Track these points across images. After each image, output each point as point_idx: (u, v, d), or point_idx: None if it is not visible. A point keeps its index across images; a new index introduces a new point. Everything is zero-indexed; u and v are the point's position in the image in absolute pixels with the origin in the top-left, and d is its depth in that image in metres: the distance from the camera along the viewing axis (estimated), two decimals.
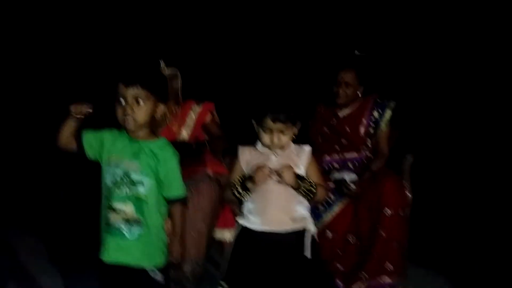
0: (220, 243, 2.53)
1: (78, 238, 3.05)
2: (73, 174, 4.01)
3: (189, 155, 2.57)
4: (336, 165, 2.52)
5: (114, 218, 1.48)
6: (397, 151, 2.55)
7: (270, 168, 1.50)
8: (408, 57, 3.36)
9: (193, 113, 2.76)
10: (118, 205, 1.48)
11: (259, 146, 1.65)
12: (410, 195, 2.42)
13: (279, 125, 1.57)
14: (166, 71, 2.67)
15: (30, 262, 2.75)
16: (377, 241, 2.22)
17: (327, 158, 2.55)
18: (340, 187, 2.36)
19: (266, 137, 1.59)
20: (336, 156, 2.54)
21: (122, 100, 1.50)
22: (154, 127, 1.59)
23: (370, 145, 2.54)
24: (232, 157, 2.94)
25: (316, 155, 2.48)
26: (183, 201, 1.58)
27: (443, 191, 3.14)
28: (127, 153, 1.52)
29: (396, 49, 3.26)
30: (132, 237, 1.49)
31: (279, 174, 1.50)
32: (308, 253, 1.50)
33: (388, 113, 2.52)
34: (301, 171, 1.59)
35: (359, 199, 2.33)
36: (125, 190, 1.49)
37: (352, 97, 2.52)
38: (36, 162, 4.08)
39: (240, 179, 1.56)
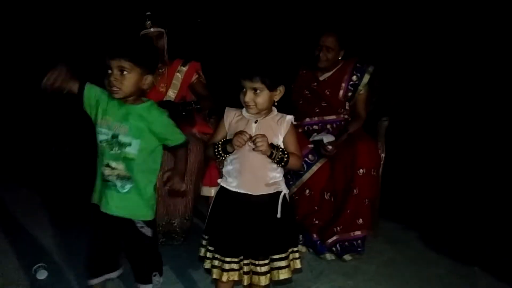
0: (207, 199, 2.69)
1: (70, 191, 3.21)
2: (65, 129, 4.12)
3: (176, 115, 2.67)
4: (315, 127, 2.64)
5: (108, 173, 1.62)
6: (376, 114, 2.67)
7: (247, 135, 1.58)
8: (388, 20, 3.39)
9: (180, 74, 2.83)
10: (111, 162, 1.62)
11: (244, 109, 1.71)
12: (383, 155, 2.58)
13: (253, 84, 1.60)
14: (152, 29, 2.72)
15: (24, 214, 2.88)
16: (350, 198, 2.38)
17: (308, 120, 2.66)
18: (319, 148, 2.50)
19: (241, 96, 1.64)
20: (315, 118, 2.65)
21: (108, 69, 1.58)
22: (142, 95, 1.69)
23: (348, 108, 2.65)
24: (218, 118, 3.07)
25: (298, 117, 2.66)
26: (185, 145, 1.72)
27: (415, 151, 3.28)
28: (117, 116, 1.62)
29: (377, 10, 3.27)
30: (123, 190, 1.63)
31: (254, 141, 1.57)
32: (279, 214, 1.63)
33: (366, 78, 2.61)
34: (278, 139, 1.66)
35: (335, 159, 2.47)
36: (115, 150, 1.61)
37: (332, 61, 2.60)
38: (28, 118, 4.15)
39: (221, 141, 1.66)
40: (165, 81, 2.82)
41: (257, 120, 1.66)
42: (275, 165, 1.64)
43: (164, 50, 2.78)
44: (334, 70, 2.65)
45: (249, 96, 1.61)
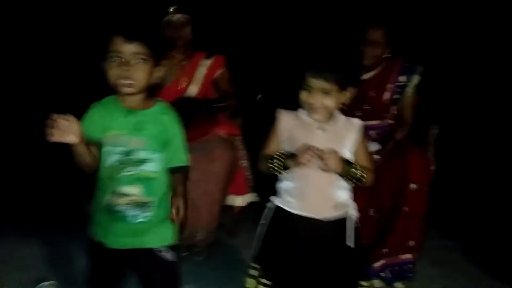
0: (231, 209, 2.40)
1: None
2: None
3: (199, 114, 2.38)
4: None
5: (120, 202, 1.29)
6: (420, 120, 2.40)
7: (316, 149, 1.30)
8: (439, 20, 3.12)
9: (203, 67, 2.54)
10: (124, 188, 1.29)
11: (302, 113, 1.42)
12: (433, 169, 2.30)
13: (322, 84, 1.34)
14: (177, 15, 2.42)
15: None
16: (400, 217, 2.10)
17: None
18: None
19: (305, 96, 1.36)
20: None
21: (117, 57, 1.25)
22: (151, 93, 1.38)
23: (394, 112, 2.37)
24: (243, 117, 2.78)
25: None
26: (186, 172, 1.40)
27: (461, 160, 3.02)
28: (127, 129, 1.30)
29: (426, 10, 3.01)
30: (135, 220, 1.31)
31: (323, 158, 1.29)
32: (351, 242, 1.35)
33: (416, 78, 2.33)
34: (348, 149, 1.40)
35: (381, 171, 2.18)
36: (130, 171, 1.29)
37: (378, 58, 2.33)
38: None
39: (281, 156, 1.36)
40: (187, 75, 2.52)
41: (322, 127, 1.37)
42: (345, 183, 1.35)
43: (188, 40, 2.49)
44: (378, 70, 2.37)
45: (317, 98, 1.33)
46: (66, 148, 1.25)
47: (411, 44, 2.45)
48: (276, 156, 1.36)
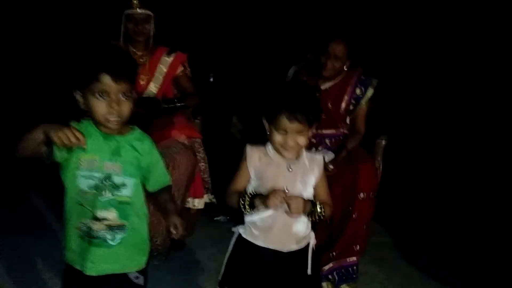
0: (188, 211, 2.46)
1: None
2: None
3: (158, 115, 2.37)
4: (313, 141, 2.47)
5: (97, 227, 1.32)
6: (371, 130, 2.55)
7: (284, 195, 1.37)
8: (394, 30, 3.25)
9: (163, 66, 2.51)
10: (100, 213, 1.31)
11: (269, 148, 1.48)
12: (379, 174, 2.50)
13: (296, 126, 1.38)
14: (139, 10, 2.36)
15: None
16: (349, 223, 2.27)
17: None
18: None
19: (279, 138, 1.40)
20: (314, 131, 2.47)
21: (105, 95, 1.27)
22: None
23: (348, 123, 2.51)
24: (203, 118, 2.81)
25: None
26: (170, 189, 1.48)
27: (402, 167, 3.26)
28: (105, 153, 1.32)
29: (384, 21, 3.12)
30: (115, 242, 1.35)
31: (288, 203, 1.37)
32: (310, 269, 1.47)
33: (370, 91, 2.47)
34: (311, 185, 1.49)
35: (333, 180, 2.33)
36: (107, 195, 1.32)
37: (338, 71, 2.43)
38: None
39: (249, 195, 1.43)
40: (147, 72, 2.49)
41: (290, 166, 1.45)
42: (306, 218, 1.47)
43: (150, 36, 2.45)
44: (337, 80, 2.48)
45: (292, 139, 1.39)
46: None
47: (367, 56, 2.56)
48: (245, 196, 1.42)
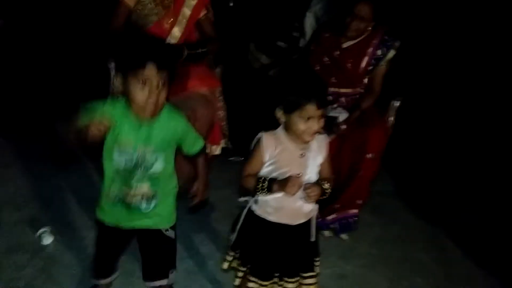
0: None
1: None
2: None
3: (182, 63, 2.43)
4: (330, 98, 2.55)
5: (130, 197, 1.50)
6: (385, 91, 2.61)
7: (301, 183, 1.51)
8: None
9: (187, 9, 2.51)
10: (135, 186, 1.49)
11: (282, 135, 1.57)
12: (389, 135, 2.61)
13: (319, 111, 1.47)
14: None
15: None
16: (354, 179, 2.44)
17: None
18: (329, 123, 2.45)
19: (303, 126, 1.48)
20: (331, 89, 2.53)
21: (146, 83, 1.35)
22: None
23: (365, 82, 2.56)
24: (223, 67, 2.85)
25: None
26: (204, 150, 1.64)
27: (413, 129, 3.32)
28: (140, 138, 1.45)
29: None
30: (148, 209, 1.54)
31: (307, 194, 1.52)
32: (313, 237, 1.66)
33: (391, 53, 2.48)
34: (318, 163, 1.62)
35: (345, 139, 2.46)
36: (141, 172, 1.48)
37: (362, 31, 2.43)
38: None
39: (265, 179, 1.55)
40: (171, 15, 2.50)
41: (303, 153, 1.57)
42: None
43: None
44: (359, 39, 2.48)
45: (317, 125, 1.50)
46: None
47: (392, 18, 2.51)
48: (261, 181, 1.55)
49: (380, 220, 2.70)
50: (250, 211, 1.67)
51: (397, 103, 2.59)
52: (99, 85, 2.51)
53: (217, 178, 2.81)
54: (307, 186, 1.53)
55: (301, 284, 1.71)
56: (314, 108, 1.47)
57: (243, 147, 2.99)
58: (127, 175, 1.47)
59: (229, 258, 1.75)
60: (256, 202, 1.65)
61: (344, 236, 2.51)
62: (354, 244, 2.47)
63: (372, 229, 2.61)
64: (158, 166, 1.50)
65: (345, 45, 2.50)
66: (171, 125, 1.50)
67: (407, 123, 2.69)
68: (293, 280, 1.69)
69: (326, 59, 2.55)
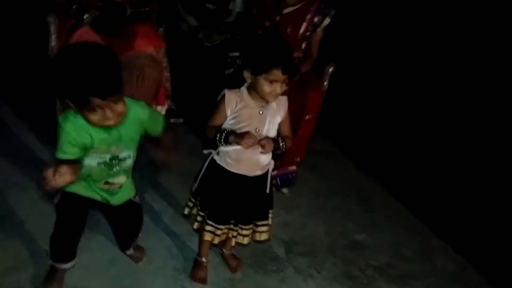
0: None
1: None
2: None
3: (125, 22, 2.42)
4: None
5: (108, 187, 1.60)
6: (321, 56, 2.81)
7: (255, 139, 1.64)
8: None
9: None
10: (111, 180, 1.58)
11: (244, 93, 1.70)
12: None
13: (285, 76, 1.61)
14: None
15: None
16: (294, 139, 2.62)
17: None
18: None
19: (268, 88, 1.62)
20: None
21: (97, 109, 1.34)
22: None
23: (303, 47, 2.74)
24: (166, 26, 2.85)
25: None
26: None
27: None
28: (111, 142, 1.49)
29: None
30: (121, 191, 1.66)
31: (261, 145, 1.65)
32: (268, 189, 1.83)
33: (327, 21, 2.68)
34: (277, 121, 1.77)
35: None
36: (115, 168, 1.55)
37: None
38: None
39: (224, 131, 1.68)
40: None
41: (262, 111, 1.72)
42: None
43: None
44: (298, 6, 2.64)
45: (279, 88, 1.64)
46: None
47: None
48: (221, 133, 1.67)
49: (314, 176, 2.96)
50: (212, 161, 1.79)
51: (331, 68, 2.81)
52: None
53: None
54: (262, 139, 1.68)
55: (254, 231, 1.89)
56: (279, 73, 1.60)
57: (184, 109, 3.08)
58: (104, 173, 1.54)
59: (190, 205, 1.89)
60: (218, 153, 1.77)
61: (284, 190, 2.73)
62: (293, 196, 2.70)
63: (308, 184, 2.86)
64: (129, 160, 1.58)
65: (285, 10, 2.64)
66: (138, 119, 1.53)
67: (338, 88, 2.92)
68: (247, 227, 1.87)
69: (267, 23, 2.68)
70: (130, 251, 1.94)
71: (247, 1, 4.79)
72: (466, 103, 3.30)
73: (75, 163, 1.41)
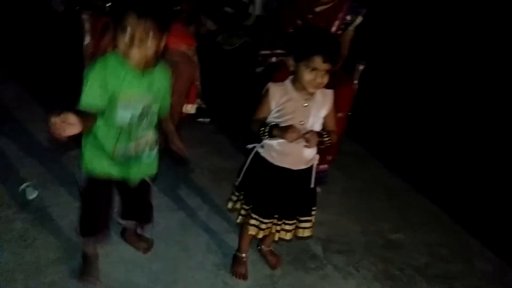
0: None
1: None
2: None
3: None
4: None
5: (136, 148, 1.54)
6: (352, 54, 2.80)
7: (300, 132, 1.60)
8: None
9: None
10: (142, 135, 1.53)
11: (288, 86, 1.68)
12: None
13: (327, 65, 1.58)
14: None
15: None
16: None
17: None
18: None
19: (309, 76, 1.59)
20: None
21: (129, 30, 1.34)
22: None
23: None
24: (197, 25, 2.85)
25: (285, 44, 2.67)
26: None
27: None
28: (141, 89, 1.46)
29: None
30: (149, 159, 1.61)
31: (306, 138, 1.62)
32: (312, 184, 1.81)
33: (359, 19, 2.66)
34: (322, 115, 1.74)
35: None
36: (146, 121, 1.52)
37: None
38: None
39: (268, 125, 1.65)
40: None
41: (307, 104, 1.69)
42: None
43: None
44: (330, 5, 2.63)
45: (323, 78, 1.61)
46: None
47: None
48: (265, 127, 1.65)
49: (344, 175, 2.93)
50: (256, 155, 1.77)
51: (361, 67, 2.79)
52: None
53: (192, 138, 2.86)
54: (307, 132, 1.65)
55: (297, 227, 1.86)
56: (320, 61, 1.57)
57: (211, 108, 3.08)
58: (132, 128, 1.50)
59: (234, 198, 1.86)
60: (262, 146, 1.75)
61: (317, 189, 2.69)
62: (325, 195, 2.66)
63: (339, 183, 2.83)
64: (155, 114, 1.55)
65: (318, 9, 2.63)
66: (164, 79, 1.56)
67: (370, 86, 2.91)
68: (291, 222, 1.83)
69: (299, 21, 2.66)
70: (129, 224, 1.88)
71: (266, 5, 4.83)
72: (499, 102, 3.27)
73: (88, 118, 1.37)
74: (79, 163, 1.59)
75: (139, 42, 1.35)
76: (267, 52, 2.78)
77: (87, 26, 2.40)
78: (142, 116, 1.49)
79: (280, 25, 2.72)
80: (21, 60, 3.14)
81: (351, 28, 2.67)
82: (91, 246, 1.72)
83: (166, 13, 1.45)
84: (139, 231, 1.91)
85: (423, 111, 3.55)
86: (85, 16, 2.38)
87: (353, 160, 3.11)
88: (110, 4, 2.30)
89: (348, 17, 2.65)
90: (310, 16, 2.64)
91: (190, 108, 2.67)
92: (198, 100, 2.79)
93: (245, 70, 3.70)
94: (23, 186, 2.01)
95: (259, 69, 2.84)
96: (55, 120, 1.22)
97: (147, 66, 1.44)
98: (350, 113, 2.69)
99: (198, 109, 2.82)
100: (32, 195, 2.00)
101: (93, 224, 1.68)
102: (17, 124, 2.51)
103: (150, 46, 1.38)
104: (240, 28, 4.74)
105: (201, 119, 3.13)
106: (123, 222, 1.87)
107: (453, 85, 3.52)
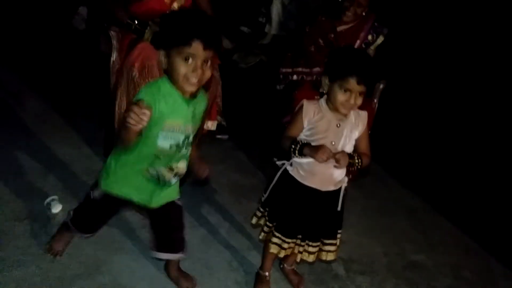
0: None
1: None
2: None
3: None
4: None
5: (168, 175, 1.53)
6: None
7: (331, 153, 1.59)
8: None
9: None
10: (176, 164, 1.52)
11: (323, 105, 1.67)
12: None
13: (361, 88, 1.57)
14: None
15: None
16: None
17: (318, 69, 2.69)
18: None
19: (342, 97, 1.59)
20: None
21: (191, 58, 1.36)
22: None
23: None
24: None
25: (307, 64, 2.70)
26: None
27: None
28: (187, 118, 1.47)
29: None
30: (174, 184, 1.61)
31: (336, 159, 1.60)
32: (339, 207, 1.77)
33: (380, 39, 2.69)
34: (355, 136, 1.71)
35: None
36: (183, 151, 1.52)
37: (357, 17, 2.60)
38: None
39: (300, 143, 1.64)
40: None
41: (339, 124, 1.68)
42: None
43: None
44: (352, 24, 2.66)
45: (356, 100, 1.60)
46: None
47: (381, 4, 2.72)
48: (296, 144, 1.64)
49: (362, 194, 2.91)
50: (285, 172, 1.76)
51: (381, 85, 2.80)
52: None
53: (211, 155, 2.87)
54: (337, 153, 1.63)
55: (321, 250, 1.83)
56: (354, 82, 1.57)
57: (229, 125, 3.09)
58: (171, 154, 1.49)
59: (259, 214, 1.85)
60: (291, 164, 1.75)
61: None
62: (345, 215, 2.61)
63: (357, 202, 2.81)
64: (190, 146, 1.54)
65: (339, 28, 2.66)
66: (202, 105, 1.54)
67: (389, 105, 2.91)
68: (314, 244, 1.81)
69: (320, 41, 2.69)
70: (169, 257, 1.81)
71: (282, 24, 4.88)
72: None
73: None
74: (98, 180, 1.60)
75: (200, 69, 1.37)
76: (289, 70, 2.80)
77: (114, 42, 2.44)
78: (182, 144, 1.49)
79: (302, 44, 2.75)
80: (43, 76, 3.18)
81: (372, 47, 2.69)
82: (77, 234, 1.78)
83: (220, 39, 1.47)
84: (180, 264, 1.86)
85: (443, 131, 3.54)
86: (113, 33, 2.42)
87: (372, 179, 3.09)
88: (138, 22, 2.33)
89: (370, 37, 2.68)
90: (332, 35, 2.66)
91: (210, 125, 2.69)
92: (219, 117, 2.80)
93: (261, 87, 3.74)
94: (48, 200, 2.01)
95: (279, 87, 2.86)
96: (136, 109, 1.26)
97: (195, 93, 1.45)
98: (369, 132, 2.69)
99: (218, 126, 2.83)
100: (56, 209, 2.01)
101: (89, 227, 1.74)
102: (40, 139, 2.52)
103: (207, 73, 1.40)
104: (256, 47, 4.79)
105: (220, 136, 3.14)
106: (157, 255, 1.77)
107: (473, 106, 3.52)
